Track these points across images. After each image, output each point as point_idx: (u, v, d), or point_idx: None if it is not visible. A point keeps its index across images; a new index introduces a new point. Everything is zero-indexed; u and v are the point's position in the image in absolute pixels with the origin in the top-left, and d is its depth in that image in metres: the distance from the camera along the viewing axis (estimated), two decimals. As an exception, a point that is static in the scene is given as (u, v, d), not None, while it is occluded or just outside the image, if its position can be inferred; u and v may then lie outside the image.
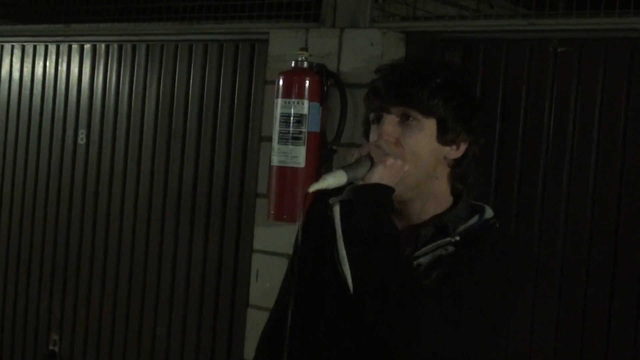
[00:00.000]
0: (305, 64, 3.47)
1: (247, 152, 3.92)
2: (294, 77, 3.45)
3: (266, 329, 2.20)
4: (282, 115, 3.45)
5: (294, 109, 3.43)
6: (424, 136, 1.96)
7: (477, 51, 3.36)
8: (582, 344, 3.15)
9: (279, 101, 3.46)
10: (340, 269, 1.97)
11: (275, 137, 3.47)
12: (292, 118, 3.44)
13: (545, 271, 3.18)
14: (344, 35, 3.53)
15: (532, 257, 2.14)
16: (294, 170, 3.44)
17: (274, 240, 3.66)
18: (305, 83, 3.43)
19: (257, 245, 3.74)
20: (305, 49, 3.51)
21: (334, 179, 1.89)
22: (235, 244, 3.95)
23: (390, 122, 1.96)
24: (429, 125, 1.96)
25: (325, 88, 3.47)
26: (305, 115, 3.43)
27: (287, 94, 3.44)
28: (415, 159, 1.95)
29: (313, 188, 1.90)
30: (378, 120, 1.99)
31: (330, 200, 2.01)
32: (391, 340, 1.85)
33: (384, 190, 1.91)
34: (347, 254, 1.95)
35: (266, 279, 3.69)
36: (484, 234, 1.97)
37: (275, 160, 3.48)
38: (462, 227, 1.98)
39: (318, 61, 3.50)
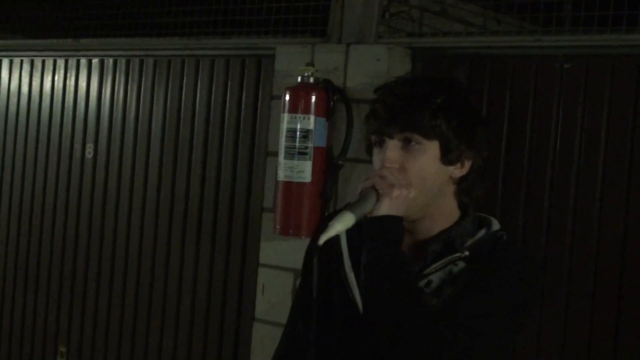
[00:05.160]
0: (312, 79, 3.48)
1: (253, 167, 3.93)
2: (300, 92, 3.46)
3: (278, 351, 2.18)
4: (288, 130, 3.46)
5: (300, 124, 3.44)
6: (427, 159, 1.94)
7: (483, 67, 3.36)
8: (589, 353, 3.15)
9: (285, 116, 3.47)
10: (350, 293, 1.97)
11: (282, 152, 3.48)
12: (298, 133, 3.44)
13: (552, 285, 3.17)
14: (350, 51, 3.54)
15: (542, 269, 2.13)
16: (300, 185, 3.45)
17: (280, 255, 3.66)
18: (311, 98, 3.44)
19: (263, 259, 3.75)
20: (311, 64, 3.52)
21: (342, 224, 1.87)
22: (241, 258, 3.96)
23: (393, 148, 1.94)
24: (432, 148, 1.94)
25: (332, 103, 3.48)
26: (312, 130, 3.44)
27: (293, 109, 3.45)
28: (420, 183, 1.94)
29: (323, 239, 1.87)
30: (380, 143, 1.98)
31: (331, 223, 2.01)
32: None
33: (393, 222, 1.90)
34: (356, 280, 1.96)
35: (272, 293, 3.69)
36: (493, 247, 1.96)
37: (282, 175, 3.48)
38: (470, 242, 1.97)
39: (324, 76, 3.51)
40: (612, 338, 3.10)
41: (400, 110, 1.94)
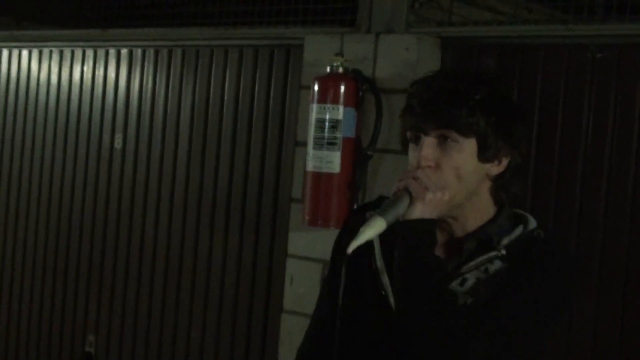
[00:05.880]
0: (341, 69, 3.46)
1: (281, 157, 3.92)
2: (329, 82, 3.44)
3: (304, 346, 2.15)
4: (317, 120, 3.44)
5: (329, 114, 3.43)
6: (464, 157, 1.89)
7: (513, 57, 3.33)
8: (620, 349, 3.12)
9: (314, 106, 3.46)
10: (383, 290, 1.95)
11: (310, 142, 3.46)
12: (327, 123, 3.43)
13: (583, 281, 3.13)
14: (379, 41, 3.52)
15: (581, 270, 2.08)
16: (329, 175, 3.43)
17: (309, 246, 3.65)
18: (340, 88, 3.42)
19: (291, 250, 3.74)
20: (340, 54, 3.50)
21: (372, 230, 1.82)
22: (269, 248, 3.95)
23: (429, 146, 1.89)
24: (469, 145, 1.89)
25: (361, 93, 3.46)
26: (341, 120, 3.42)
27: (322, 99, 3.43)
28: (456, 181, 1.89)
29: (353, 247, 1.82)
30: (416, 139, 1.93)
31: (367, 215, 1.97)
32: None
33: (426, 225, 1.87)
34: (389, 278, 1.94)
35: (300, 284, 3.68)
36: (530, 246, 1.91)
37: (310, 166, 3.47)
38: (506, 240, 1.92)
39: (353, 66, 3.49)
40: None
41: (437, 106, 1.88)
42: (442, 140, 1.89)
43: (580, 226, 3.18)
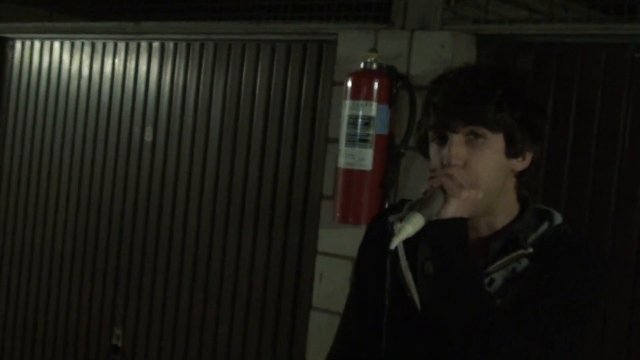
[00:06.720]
0: (375, 66, 3.43)
1: (312, 153, 3.89)
2: (362, 78, 3.41)
3: (332, 350, 2.13)
4: (349, 116, 3.42)
5: (362, 110, 3.40)
6: (492, 153, 1.87)
7: (550, 56, 3.29)
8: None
9: (347, 102, 3.43)
10: (408, 292, 1.92)
11: (343, 138, 3.44)
12: (360, 120, 3.40)
13: (618, 284, 3.09)
14: (414, 37, 3.48)
15: (613, 266, 2.03)
16: (361, 172, 3.41)
17: (339, 243, 3.63)
18: (374, 85, 3.39)
19: (321, 247, 3.72)
20: (374, 50, 3.47)
21: (412, 227, 1.79)
22: (299, 245, 3.93)
23: (458, 144, 1.85)
24: (497, 141, 1.87)
25: (394, 90, 3.43)
26: (374, 117, 3.39)
27: (355, 95, 3.41)
28: (486, 179, 1.86)
29: (396, 242, 1.80)
30: (441, 139, 1.89)
31: (390, 218, 1.95)
32: None
33: (461, 225, 1.83)
34: (414, 279, 1.90)
35: (330, 282, 3.66)
36: (557, 242, 1.89)
37: (342, 163, 3.44)
38: (533, 237, 1.90)
39: (387, 63, 3.46)
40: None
41: (465, 103, 1.85)
42: (471, 138, 1.87)
43: (616, 228, 3.14)
